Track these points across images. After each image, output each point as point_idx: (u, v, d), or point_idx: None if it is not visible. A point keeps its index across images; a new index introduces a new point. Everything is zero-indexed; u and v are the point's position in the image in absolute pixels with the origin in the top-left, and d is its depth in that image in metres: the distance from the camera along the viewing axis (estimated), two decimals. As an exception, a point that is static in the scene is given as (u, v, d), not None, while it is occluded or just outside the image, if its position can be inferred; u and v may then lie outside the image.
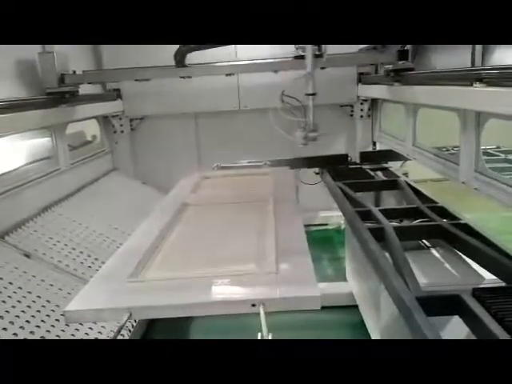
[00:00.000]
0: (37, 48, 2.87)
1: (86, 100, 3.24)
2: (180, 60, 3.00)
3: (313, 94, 2.69)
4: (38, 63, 2.84)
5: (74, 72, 3.01)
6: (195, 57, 3.08)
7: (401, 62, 2.74)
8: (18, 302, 1.87)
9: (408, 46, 2.75)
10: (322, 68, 3.14)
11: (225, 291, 1.28)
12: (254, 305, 1.18)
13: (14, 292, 1.91)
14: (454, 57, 2.37)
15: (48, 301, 1.98)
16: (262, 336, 1.07)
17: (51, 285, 2.10)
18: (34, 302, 1.92)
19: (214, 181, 2.76)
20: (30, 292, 1.96)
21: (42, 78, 2.83)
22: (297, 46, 2.76)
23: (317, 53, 2.66)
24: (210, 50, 3.08)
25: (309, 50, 2.56)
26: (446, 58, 2.49)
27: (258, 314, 1.15)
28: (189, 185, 2.58)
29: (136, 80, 3.22)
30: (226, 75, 3.34)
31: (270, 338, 1.06)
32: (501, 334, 1.16)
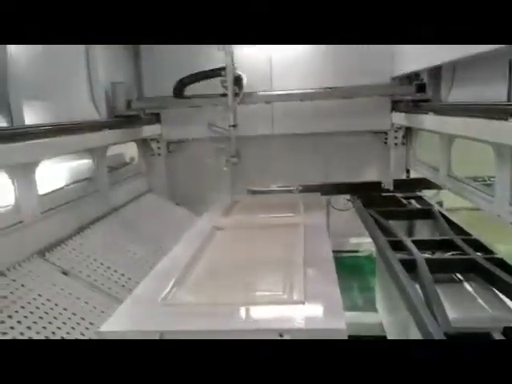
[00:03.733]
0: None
1: (134, 123, 3.46)
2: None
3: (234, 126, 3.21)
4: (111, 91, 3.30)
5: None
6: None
7: (418, 94, 3.02)
8: (55, 318, 1.95)
9: (426, 80, 3.02)
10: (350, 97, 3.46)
11: (253, 319, 1.30)
12: (281, 334, 1.20)
13: (51, 308, 1.99)
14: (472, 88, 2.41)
15: (83, 318, 2.05)
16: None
17: (86, 302, 2.17)
18: (69, 318, 1.99)
19: (246, 205, 2.81)
20: (65, 309, 2.04)
21: (114, 104, 3.30)
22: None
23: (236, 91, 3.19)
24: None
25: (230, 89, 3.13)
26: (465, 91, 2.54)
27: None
28: (220, 209, 2.63)
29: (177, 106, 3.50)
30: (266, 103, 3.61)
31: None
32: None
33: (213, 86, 3.38)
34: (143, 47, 3.91)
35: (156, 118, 3.98)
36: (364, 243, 3.79)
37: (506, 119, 1.75)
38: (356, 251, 3.93)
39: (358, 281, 3.34)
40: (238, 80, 3.22)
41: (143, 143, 4.04)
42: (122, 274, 2.59)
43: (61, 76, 2.83)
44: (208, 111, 3.64)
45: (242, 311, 1.32)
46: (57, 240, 2.56)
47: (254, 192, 3.11)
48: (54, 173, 2.85)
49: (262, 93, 3.47)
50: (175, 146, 4.16)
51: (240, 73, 3.26)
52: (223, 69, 3.26)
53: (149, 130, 3.86)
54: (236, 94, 3.18)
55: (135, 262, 2.77)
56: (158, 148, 4.08)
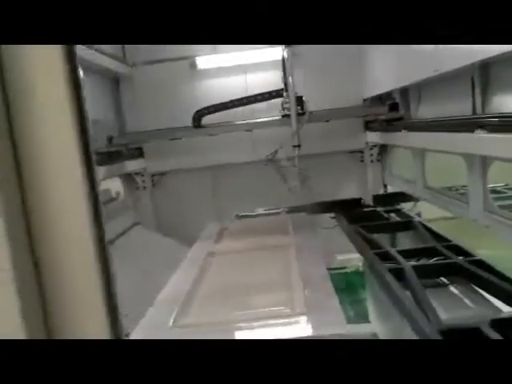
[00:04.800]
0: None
1: (116, 159, 3.51)
2: (198, 122, 3.59)
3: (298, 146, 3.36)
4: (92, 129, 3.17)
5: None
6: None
7: (391, 113, 3.20)
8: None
9: (398, 99, 3.21)
10: (327, 121, 3.51)
11: (260, 332, 1.39)
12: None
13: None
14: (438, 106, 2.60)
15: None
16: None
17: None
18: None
19: (235, 230, 2.90)
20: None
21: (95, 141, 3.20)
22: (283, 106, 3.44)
23: (299, 111, 3.37)
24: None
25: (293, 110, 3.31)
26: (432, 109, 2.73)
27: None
28: (211, 235, 2.72)
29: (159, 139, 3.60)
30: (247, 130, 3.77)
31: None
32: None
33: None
34: (122, 79, 3.99)
35: (139, 152, 4.07)
36: (351, 259, 3.92)
37: (473, 131, 1.92)
38: (344, 267, 4.04)
39: (349, 295, 3.44)
40: (299, 100, 3.37)
41: (127, 177, 4.11)
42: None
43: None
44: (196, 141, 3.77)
45: (251, 326, 1.40)
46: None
47: (242, 216, 3.21)
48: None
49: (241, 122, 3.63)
50: (159, 178, 4.25)
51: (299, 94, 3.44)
52: (281, 90, 3.43)
53: (132, 165, 3.94)
54: (299, 114, 3.33)
55: (131, 295, 2.80)
56: (143, 181, 4.15)
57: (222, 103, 3.61)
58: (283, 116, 3.45)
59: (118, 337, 0.54)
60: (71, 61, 0.43)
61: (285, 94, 3.40)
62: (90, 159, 0.45)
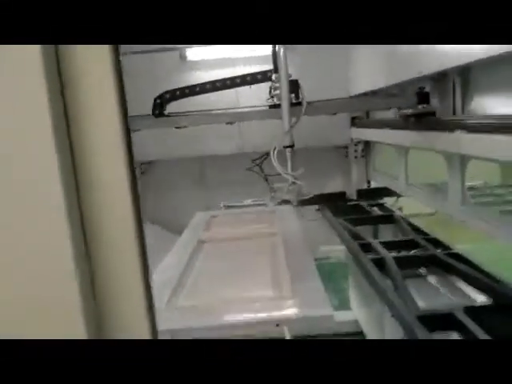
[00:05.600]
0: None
1: None
2: (160, 110, 2.90)
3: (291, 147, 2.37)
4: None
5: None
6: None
7: (421, 106, 2.37)
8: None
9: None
10: (334, 114, 3.23)
11: (250, 313, 1.47)
12: (277, 325, 1.38)
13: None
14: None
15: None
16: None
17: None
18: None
19: (223, 219, 2.98)
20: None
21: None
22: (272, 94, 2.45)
23: (294, 101, 2.34)
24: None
25: (285, 98, 2.25)
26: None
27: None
28: (200, 224, 2.79)
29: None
30: (226, 123, 3.08)
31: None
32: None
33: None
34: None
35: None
36: (334, 250, 4.03)
37: (453, 131, 2.03)
38: (327, 258, 4.16)
39: (331, 285, 3.56)
40: (293, 85, 2.33)
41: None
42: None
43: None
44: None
45: (240, 308, 1.49)
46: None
47: (229, 207, 3.28)
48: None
49: (231, 110, 3.38)
50: (147, 167, 4.29)
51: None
52: (269, 71, 2.45)
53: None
54: (293, 104, 2.31)
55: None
56: (131, 170, 4.19)
57: (187, 86, 2.86)
58: (271, 106, 2.48)
59: (155, 333, 0.57)
60: (117, 59, 0.49)
61: (274, 76, 2.39)
62: (131, 146, 0.51)
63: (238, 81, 2.72)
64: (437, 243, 2.33)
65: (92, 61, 0.48)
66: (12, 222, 0.49)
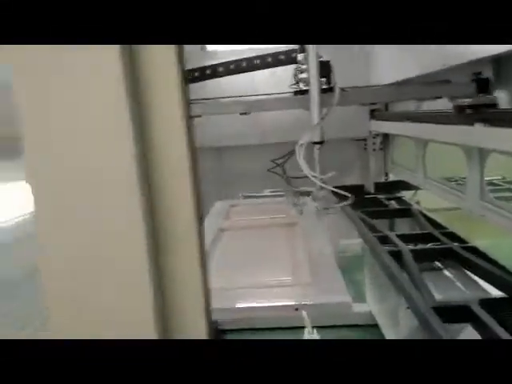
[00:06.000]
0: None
1: None
2: None
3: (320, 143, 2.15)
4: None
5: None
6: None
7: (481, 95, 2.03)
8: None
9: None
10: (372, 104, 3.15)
11: (270, 298, 1.53)
12: (297, 309, 1.43)
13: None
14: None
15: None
16: (309, 335, 1.31)
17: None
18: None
19: (243, 208, 3.04)
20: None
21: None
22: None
23: (325, 86, 1.91)
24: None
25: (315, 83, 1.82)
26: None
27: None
28: (220, 212, 2.85)
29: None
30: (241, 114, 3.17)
31: (316, 336, 1.31)
32: (505, 337, 1.40)
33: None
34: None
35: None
36: (352, 244, 4.05)
37: (473, 124, 2.04)
38: (344, 252, 4.18)
39: (347, 277, 3.58)
40: (324, 68, 1.85)
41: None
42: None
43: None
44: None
45: (260, 292, 1.54)
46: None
47: (248, 197, 3.33)
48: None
49: (246, 98, 3.16)
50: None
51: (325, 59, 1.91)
52: (294, 51, 1.95)
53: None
54: (325, 90, 1.87)
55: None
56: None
57: (195, 68, 2.45)
58: (296, 93, 2.02)
59: (211, 333, 0.59)
60: (181, 60, 0.53)
61: (300, 56, 1.92)
62: (194, 143, 0.55)
63: (257, 62, 2.25)
64: (454, 237, 2.34)
65: (160, 60, 0.51)
66: (90, 225, 0.52)
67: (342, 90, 1.96)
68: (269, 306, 1.46)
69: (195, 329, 0.57)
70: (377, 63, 3.73)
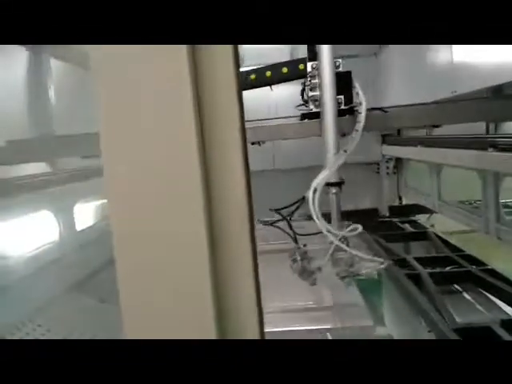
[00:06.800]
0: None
1: None
2: None
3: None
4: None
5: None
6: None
7: None
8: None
9: None
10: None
11: (294, 323, 1.56)
12: (321, 333, 1.46)
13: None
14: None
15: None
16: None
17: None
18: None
19: (260, 233, 3.07)
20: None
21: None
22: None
23: (343, 107, 1.40)
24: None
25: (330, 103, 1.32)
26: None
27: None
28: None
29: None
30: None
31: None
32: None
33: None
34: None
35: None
36: (366, 267, 4.04)
37: (486, 149, 2.08)
38: (360, 275, 4.17)
39: (365, 301, 3.58)
40: (344, 83, 1.40)
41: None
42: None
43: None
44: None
45: (285, 317, 1.58)
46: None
47: (265, 222, 3.37)
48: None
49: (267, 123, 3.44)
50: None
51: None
52: (302, 60, 1.55)
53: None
54: (344, 112, 1.42)
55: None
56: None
57: None
58: (304, 116, 1.53)
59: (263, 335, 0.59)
60: (236, 59, 0.55)
61: (310, 65, 1.44)
62: (246, 148, 0.56)
63: (254, 76, 1.73)
64: (472, 260, 2.36)
65: (219, 60, 0.53)
66: (153, 226, 0.53)
67: (381, 110, 1.50)
68: (293, 331, 1.49)
69: (249, 330, 0.57)
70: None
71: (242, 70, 2.47)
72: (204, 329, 0.54)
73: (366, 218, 3.63)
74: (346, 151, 1.35)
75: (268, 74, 1.73)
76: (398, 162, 4.22)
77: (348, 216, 3.52)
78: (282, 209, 1.75)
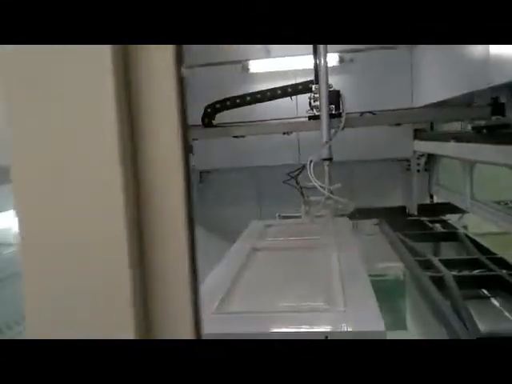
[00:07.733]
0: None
1: None
2: (209, 121, 3.12)
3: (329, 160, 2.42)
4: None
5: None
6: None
7: (495, 118, 2.31)
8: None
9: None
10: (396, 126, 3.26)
11: (299, 324, 1.45)
12: (326, 337, 1.34)
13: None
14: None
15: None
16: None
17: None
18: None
19: (278, 228, 2.97)
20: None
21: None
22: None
23: (333, 112, 2.41)
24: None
25: (324, 110, 2.36)
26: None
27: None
28: (255, 232, 2.80)
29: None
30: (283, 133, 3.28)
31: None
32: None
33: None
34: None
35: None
36: (391, 267, 3.89)
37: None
38: (384, 275, 4.01)
39: (387, 303, 3.42)
40: (333, 96, 2.38)
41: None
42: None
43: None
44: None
45: (291, 317, 1.47)
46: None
47: (285, 217, 3.27)
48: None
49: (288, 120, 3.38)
50: (206, 175, 4.38)
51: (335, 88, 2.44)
52: (310, 82, 2.55)
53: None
54: (333, 115, 2.39)
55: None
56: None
57: (231, 97, 3.06)
58: (311, 118, 2.52)
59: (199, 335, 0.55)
60: (179, 61, 0.50)
61: (314, 86, 2.44)
62: (187, 149, 0.52)
63: (279, 92, 2.92)
64: (503, 263, 2.18)
65: (156, 62, 0.49)
66: (73, 222, 0.50)
67: (361, 113, 2.76)
68: (297, 332, 1.39)
69: (180, 329, 0.53)
70: (418, 85, 3.62)
71: (271, 85, 2.99)
72: (124, 327, 0.51)
73: (393, 215, 3.47)
74: (331, 139, 2.37)
75: (289, 90, 2.92)
76: (431, 158, 4.01)
77: (373, 214, 3.41)
78: (293, 172, 3.06)
